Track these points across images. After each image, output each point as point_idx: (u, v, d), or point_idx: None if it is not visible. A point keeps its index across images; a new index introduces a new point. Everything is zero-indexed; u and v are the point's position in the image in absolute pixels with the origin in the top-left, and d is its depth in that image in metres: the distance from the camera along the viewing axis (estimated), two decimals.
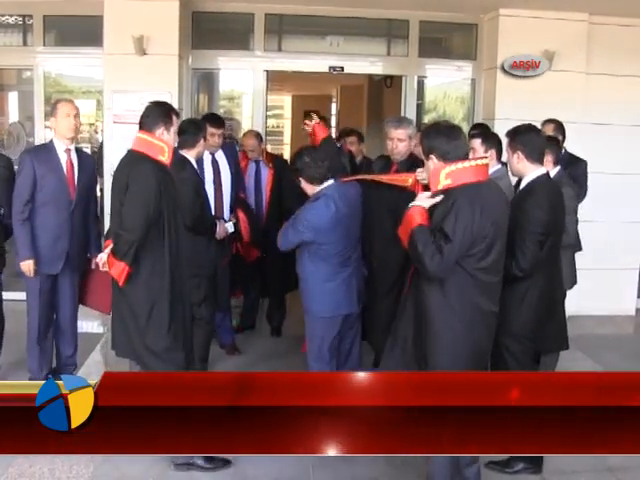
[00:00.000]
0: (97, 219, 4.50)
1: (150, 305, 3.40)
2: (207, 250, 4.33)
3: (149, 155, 3.40)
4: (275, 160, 5.62)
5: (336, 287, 3.74)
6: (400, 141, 4.15)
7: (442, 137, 2.97)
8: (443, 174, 2.90)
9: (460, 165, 2.89)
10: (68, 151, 4.22)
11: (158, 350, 3.41)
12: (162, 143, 3.44)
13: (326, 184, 3.72)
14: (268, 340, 5.56)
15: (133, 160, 3.43)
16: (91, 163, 4.49)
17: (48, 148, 4.26)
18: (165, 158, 3.44)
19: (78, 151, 4.37)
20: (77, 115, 4.24)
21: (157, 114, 3.49)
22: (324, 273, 3.73)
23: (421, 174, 3.69)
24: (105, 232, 3.74)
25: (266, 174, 5.44)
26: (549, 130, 5.04)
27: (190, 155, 4.25)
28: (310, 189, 3.76)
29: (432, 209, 2.94)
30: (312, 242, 3.67)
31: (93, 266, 4.30)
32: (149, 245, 3.37)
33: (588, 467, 3.58)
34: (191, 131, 4.24)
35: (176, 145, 3.80)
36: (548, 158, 4.03)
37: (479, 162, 2.97)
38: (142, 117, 3.51)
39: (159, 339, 3.42)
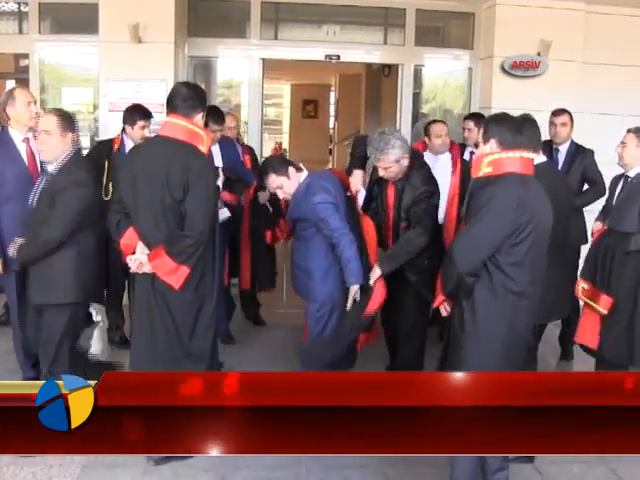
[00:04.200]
0: None
1: (198, 307, 3.21)
2: None
3: (194, 145, 3.14)
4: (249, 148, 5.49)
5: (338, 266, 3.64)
6: (386, 170, 3.80)
7: (507, 125, 2.84)
8: (485, 162, 2.80)
9: (504, 155, 2.77)
10: (27, 140, 3.88)
11: (202, 354, 3.23)
12: (202, 131, 3.21)
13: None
14: (255, 329, 5.49)
15: (184, 151, 3.12)
16: None
17: (3, 140, 3.89)
18: (204, 148, 3.20)
19: None
20: (35, 102, 3.94)
21: (197, 98, 3.21)
22: (332, 258, 3.62)
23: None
24: (117, 224, 3.31)
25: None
26: (560, 120, 4.90)
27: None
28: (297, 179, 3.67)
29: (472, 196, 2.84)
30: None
31: None
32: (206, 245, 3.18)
33: (580, 457, 3.57)
34: None
35: None
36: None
37: (524, 155, 2.81)
38: (177, 100, 3.18)
39: (205, 342, 3.24)
